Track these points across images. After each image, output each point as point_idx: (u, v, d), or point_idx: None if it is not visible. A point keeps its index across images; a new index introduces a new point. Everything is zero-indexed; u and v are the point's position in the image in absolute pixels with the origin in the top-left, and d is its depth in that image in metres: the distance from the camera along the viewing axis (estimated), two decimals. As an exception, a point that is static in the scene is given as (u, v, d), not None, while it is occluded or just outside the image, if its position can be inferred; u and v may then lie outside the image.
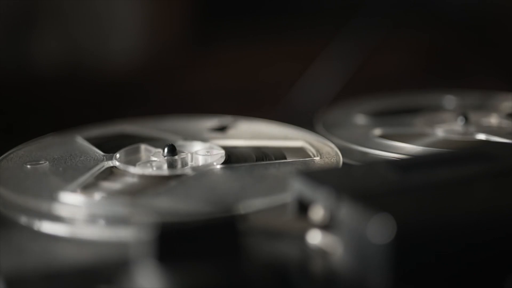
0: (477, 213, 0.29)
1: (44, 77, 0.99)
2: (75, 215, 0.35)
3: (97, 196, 0.37)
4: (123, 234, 0.34)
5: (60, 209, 0.36)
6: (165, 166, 0.41)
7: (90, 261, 0.32)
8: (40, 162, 0.42)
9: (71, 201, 0.36)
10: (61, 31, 1.01)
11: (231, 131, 0.47)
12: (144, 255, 0.29)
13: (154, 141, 0.44)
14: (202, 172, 0.40)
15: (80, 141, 0.45)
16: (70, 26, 1.02)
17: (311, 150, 0.44)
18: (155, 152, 0.42)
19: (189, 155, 0.42)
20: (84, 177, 0.39)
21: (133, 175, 0.40)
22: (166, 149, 0.41)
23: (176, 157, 0.41)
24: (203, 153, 0.42)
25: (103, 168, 0.41)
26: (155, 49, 1.05)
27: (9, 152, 0.43)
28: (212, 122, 0.49)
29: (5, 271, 0.31)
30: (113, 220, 0.35)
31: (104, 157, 0.42)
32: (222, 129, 0.48)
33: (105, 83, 0.99)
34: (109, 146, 0.44)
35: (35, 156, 0.43)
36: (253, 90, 0.99)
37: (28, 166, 0.41)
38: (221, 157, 0.42)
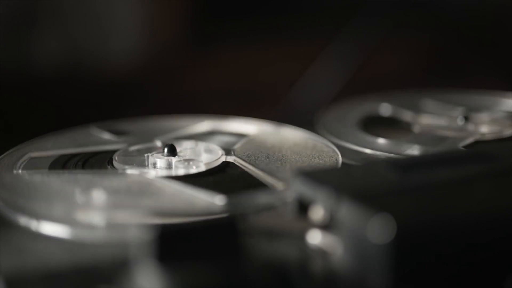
0: (477, 213, 0.29)
1: (44, 77, 0.98)
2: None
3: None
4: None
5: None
6: (202, 164, 0.40)
7: (90, 261, 0.32)
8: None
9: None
10: (61, 31, 1.01)
11: (134, 133, 0.46)
12: (144, 255, 0.29)
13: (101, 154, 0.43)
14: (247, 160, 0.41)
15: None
16: (70, 26, 1.02)
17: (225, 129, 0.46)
18: (145, 157, 0.41)
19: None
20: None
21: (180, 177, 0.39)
22: (166, 150, 0.41)
23: (179, 156, 0.41)
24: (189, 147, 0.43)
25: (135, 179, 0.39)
26: (155, 49, 1.05)
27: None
28: (103, 130, 0.47)
29: (5, 271, 0.31)
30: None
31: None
32: (121, 133, 0.46)
33: (105, 83, 0.99)
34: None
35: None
36: (253, 90, 0.99)
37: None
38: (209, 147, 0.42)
